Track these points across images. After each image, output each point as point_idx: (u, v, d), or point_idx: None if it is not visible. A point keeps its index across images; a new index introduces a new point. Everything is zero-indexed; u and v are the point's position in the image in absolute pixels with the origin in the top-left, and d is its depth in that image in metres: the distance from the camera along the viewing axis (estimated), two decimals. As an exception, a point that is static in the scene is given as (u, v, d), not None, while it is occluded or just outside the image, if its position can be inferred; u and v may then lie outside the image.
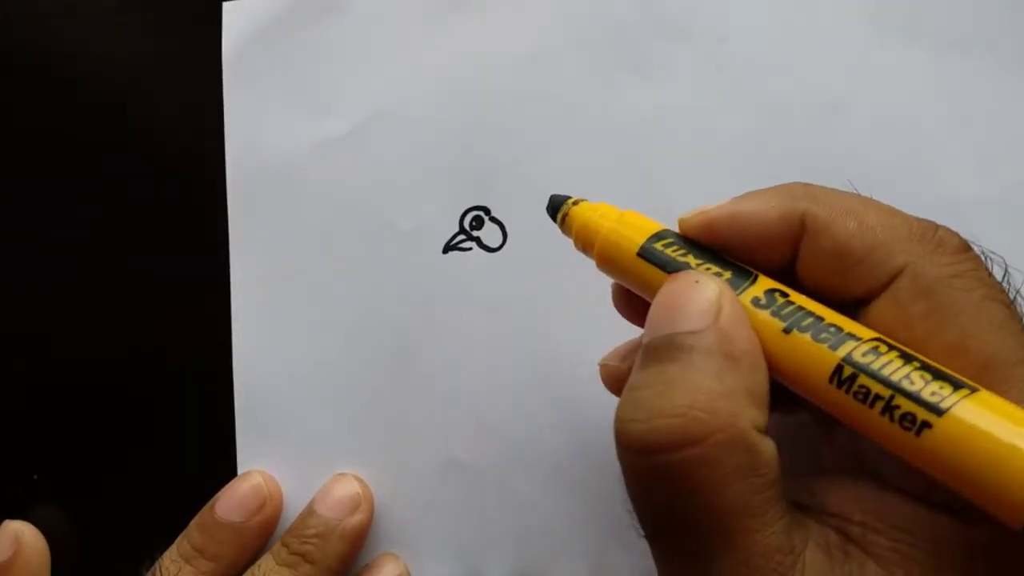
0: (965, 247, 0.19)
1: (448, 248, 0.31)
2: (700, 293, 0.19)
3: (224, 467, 0.31)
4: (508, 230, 0.31)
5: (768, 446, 0.17)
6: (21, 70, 0.33)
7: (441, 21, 0.31)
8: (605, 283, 0.29)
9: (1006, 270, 0.20)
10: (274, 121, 0.31)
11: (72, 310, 0.32)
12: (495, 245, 0.31)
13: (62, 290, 0.32)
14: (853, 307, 0.19)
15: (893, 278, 0.18)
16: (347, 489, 0.30)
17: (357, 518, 0.29)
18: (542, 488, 0.30)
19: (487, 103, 0.31)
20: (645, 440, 0.17)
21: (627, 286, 0.23)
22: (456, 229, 0.31)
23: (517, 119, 0.31)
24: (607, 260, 0.22)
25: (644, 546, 0.28)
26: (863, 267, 0.19)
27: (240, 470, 0.31)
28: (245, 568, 0.29)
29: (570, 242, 0.30)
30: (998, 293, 0.18)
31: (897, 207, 0.31)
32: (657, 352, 0.19)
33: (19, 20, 0.33)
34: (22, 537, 0.31)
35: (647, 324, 0.19)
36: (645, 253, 0.21)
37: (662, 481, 0.17)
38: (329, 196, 0.31)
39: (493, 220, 0.31)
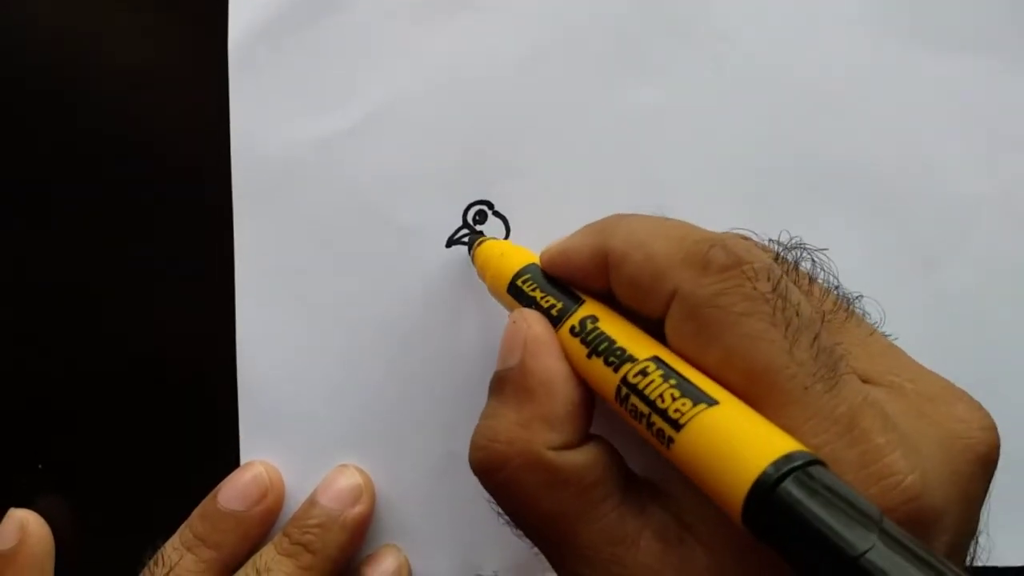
0: (733, 263, 0.20)
1: (452, 242, 0.31)
2: (516, 332, 0.22)
3: (227, 457, 0.31)
4: (511, 224, 0.31)
5: (572, 459, 0.20)
6: (21, 66, 0.33)
7: (445, 17, 0.31)
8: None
9: (813, 260, 0.22)
10: (279, 116, 0.31)
11: (76, 303, 0.32)
12: (491, 236, 0.31)
13: (66, 284, 0.32)
14: (660, 324, 0.21)
15: (669, 302, 0.20)
16: (349, 480, 0.30)
17: (358, 509, 0.30)
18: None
19: (490, 98, 0.31)
20: (473, 467, 0.22)
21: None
22: (459, 223, 0.31)
23: (520, 114, 0.31)
24: (493, 294, 0.27)
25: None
26: (649, 294, 0.21)
27: (243, 460, 0.31)
28: (247, 557, 0.30)
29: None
30: (760, 305, 0.19)
31: (899, 206, 0.31)
32: (490, 387, 0.23)
33: (20, 16, 0.33)
34: (27, 526, 0.31)
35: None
36: (511, 290, 0.25)
37: (497, 497, 0.22)
38: (333, 191, 0.31)
39: (496, 214, 0.31)
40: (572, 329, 0.22)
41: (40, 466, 0.32)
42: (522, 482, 0.20)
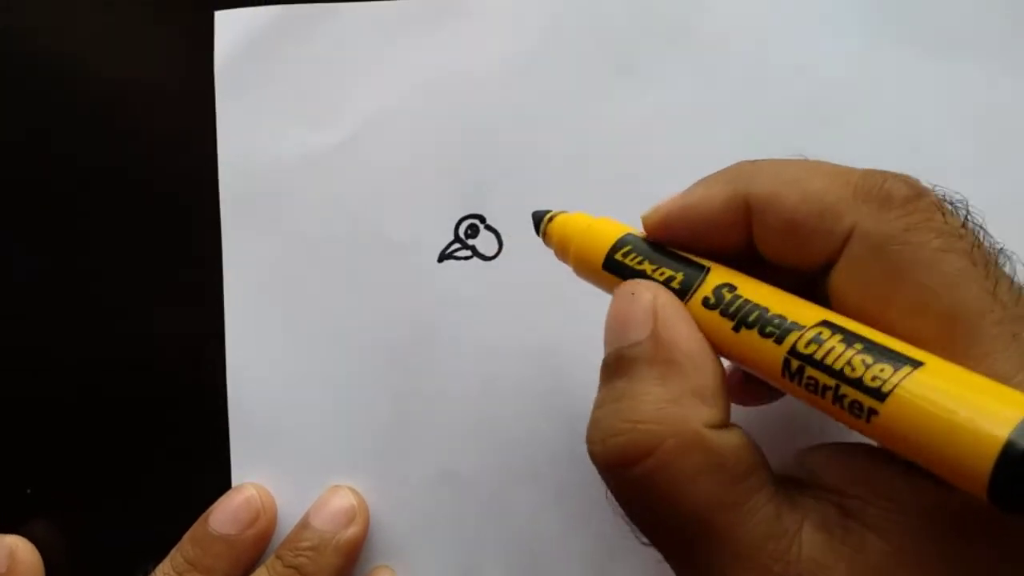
0: (916, 195, 0.18)
1: (443, 257, 0.31)
2: (636, 304, 0.19)
3: (218, 480, 0.31)
4: (503, 238, 0.31)
5: (728, 439, 0.18)
6: (10, 81, 0.33)
7: (432, 30, 0.31)
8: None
9: (967, 211, 0.19)
10: (266, 132, 0.31)
11: (65, 323, 0.32)
12: (491, 253, 0.30)
13: (54, 303, 0.32)
14: (820, 277, 0.19)
15: (845, 242, 0.18)
16: (342, 502, 0.29)
17: (352, 531, 0.29)
18: (539, 499, 0.30)
19: (480, 111, 0.31)
20: (606, 460, 0.18)
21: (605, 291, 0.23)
22: (451, 238, 0.31)
23: (511, 127, 0.31)
24: (581, 272, 0.23)
25: (643, 556, 0.28)
26: (814, 236, 0.18)
27: (234, 483, 0.31)
28: (239, 581, 0.29)
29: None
30: (955, 241, 0.17)
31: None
32: (608, 369, 0.20)
33: (7, 32, 0.33)
34: (16, 552, 0.31)
35: (603, 342, 0.20)
36: (608, 265, 0.22)
37: (634, 493, 0.18)
38: (323, 207, 0.31)
39: (488, 228, 0.31)
40: (706, 301, 0.19)
41: (29, 491, 0.32)
42: (677, 467, 0.17)
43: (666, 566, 0.29)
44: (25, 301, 0.32)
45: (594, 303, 0.29)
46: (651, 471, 0.18)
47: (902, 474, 0.17)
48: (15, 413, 0.32)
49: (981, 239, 0.18)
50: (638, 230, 0.22)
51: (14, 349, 0.32)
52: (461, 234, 0.31)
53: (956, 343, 0.16)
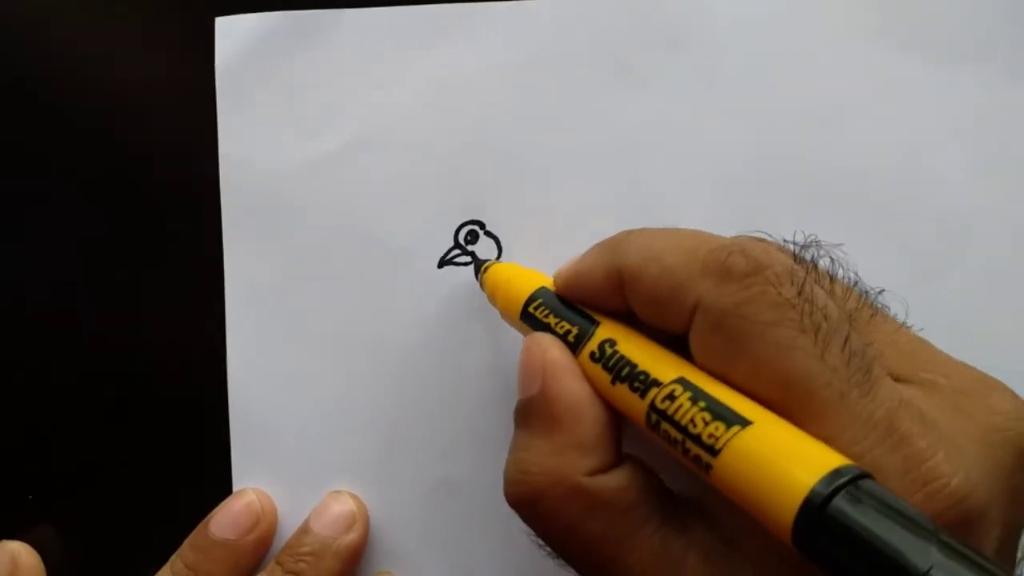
0: (754, 270, 0.19)
1: (443, 263, 0.31)
2: (532, 359, 0.22)
3: (219, 486, 0.31)
4: (503, 243, 0.31)
5: (608, 482, 0.20)
6: (8, 87, 0.33)
7: (431, 37, 0.31)
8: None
9: (832, 259, 0.21)
10: (267, 137, 0.31)
11: (65, 329, 0.32)
12: (490, 259, 0.31)
13: (55, 310, 0.32)
14: (683, 339, 0.20)
15: (691, 316, 0.20)
16: (342, 507, 0.29)
17: (352, 536, 0.29)
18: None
19: (479, 118, 0.31)
20: (510, 502, 0.21)
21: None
22: (451, 243, 0.31)
23: (509, 133, 0.31)
24: (505, 319, 0.26)
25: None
26: (670, 307, 0.20)
27: (235, 488, 0.31)
28: (240, 587, 0.29)
29: (565, 255, 0.30)
30: (787, 312, 0.18)
31: (895, 218, 0.31)
32: (515, 418, 0.22)
33: (5, 36, 0.33)
34: (18, 558, 0.31)
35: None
36: (523, 316, 0.25)
37: (537, 529, 0.21)
38: (323, 213, 0.31)
39: (488, 234, 0.31)
40: (592, 355, 0.21)
41: (31, 497, 0.32)
42: (561, 512, 0.20)
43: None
44: (25, 307, 0.32)
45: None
46: (542, 515, 0.20)
47: None
48: (16, 419, 0.32)
49: (816, 306, 0.18)
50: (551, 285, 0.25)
51: (14, 355, 0.32)
52: (461, 240, 0.31)
53: (792, 406, 0.18)
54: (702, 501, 0.20)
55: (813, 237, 0.22)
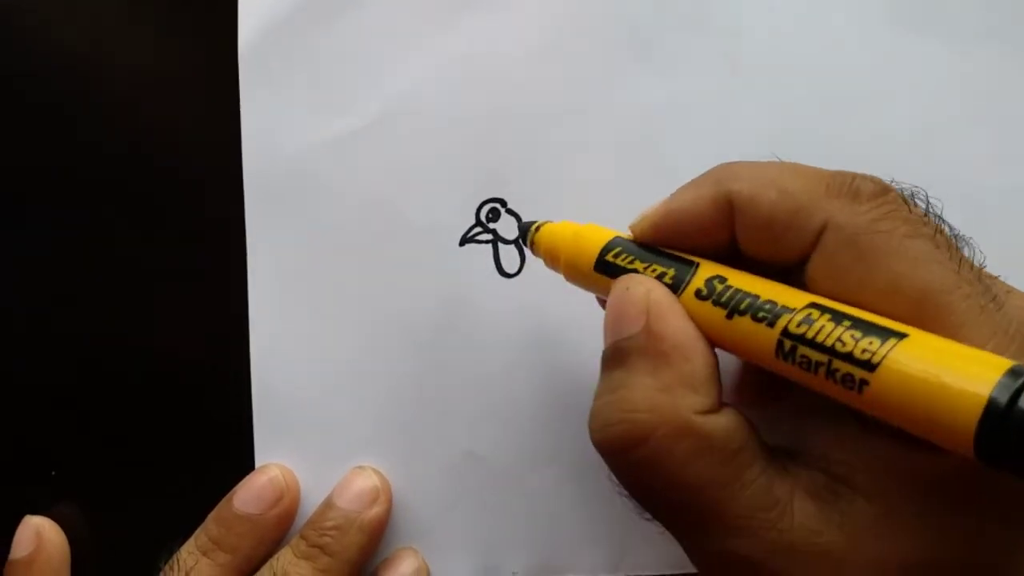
0: (882, 191, 0.19)
1: (465, 240, 0.31)
2: (631, 299, 0.21)
3: (242, 461, 0.31)
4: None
5: (717, 423, 0.19)
6: (32, 69, 0.33)
7: (455, 16, 0.31)
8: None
9: (927, 202, 0.21)
10: (290, 116, 0.31)
11: (89, 307, 0.32)
12: (511, 237, 0.31)
13: (79, 288, 0.32)
14: (797, 270, 0.20)
15: (819, 236, 0.19)
16: (366, 482, 0.30)
17: (376, 511, 0.29)
18: (560, 480, 0.30)
19: (501, 96, 0.31)
20: (605, 447, 0.20)
21: (596, 295, 0.25)
22: (472, 221, 0.31)
23: (532, 112, 0.31)
24: (572, 278, 0.25)
25: (664, 535, 0.28)
26: (791, 232, 0.20)
27: (258, 463, 0.31)
28: (263, 561, 0.29)
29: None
30: (921, 228, 0.18)
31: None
32: (606, 360, 0.21)
33: (32, 23, 0.33)
34: (43, 533, 0.31)
35: (603, 334, 0.21)
36: (599, 267, 0.23)
37: (633, 477, 0.20)
38: (346, 191, 0.31)
39: (509, 212, 0.31)
40: (698, 293, 0.20)
41: (54, 473, 0.32)
42: (670, 452, 0.19)
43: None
44: (50, 287, 0.32)
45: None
46: (646, 457, 0.19)
47: (889, 441, 0.18)
48: (40, 396, 0.32)
49: (943, 226, 0.19)
50: (625, 234, 0.23)
51: (40, 334, 0.32)
52: (482, 218, 0.31)
53: (929, 319, 0.17)
54: (796, 447, 0.20)
55: (897, 182, 0.21)
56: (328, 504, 0.30)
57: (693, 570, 0.29)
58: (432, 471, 0.30)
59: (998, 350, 0.17)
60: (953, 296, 0.18)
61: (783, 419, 0.20)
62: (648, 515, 0.21)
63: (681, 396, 0.19)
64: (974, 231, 0.30)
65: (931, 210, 0.20)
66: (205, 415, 0.32)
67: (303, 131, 0.31)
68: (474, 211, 0.31)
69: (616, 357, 0.21)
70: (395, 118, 0.31)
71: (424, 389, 0.30)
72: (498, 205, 0.31)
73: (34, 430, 0.32)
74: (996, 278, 0.19)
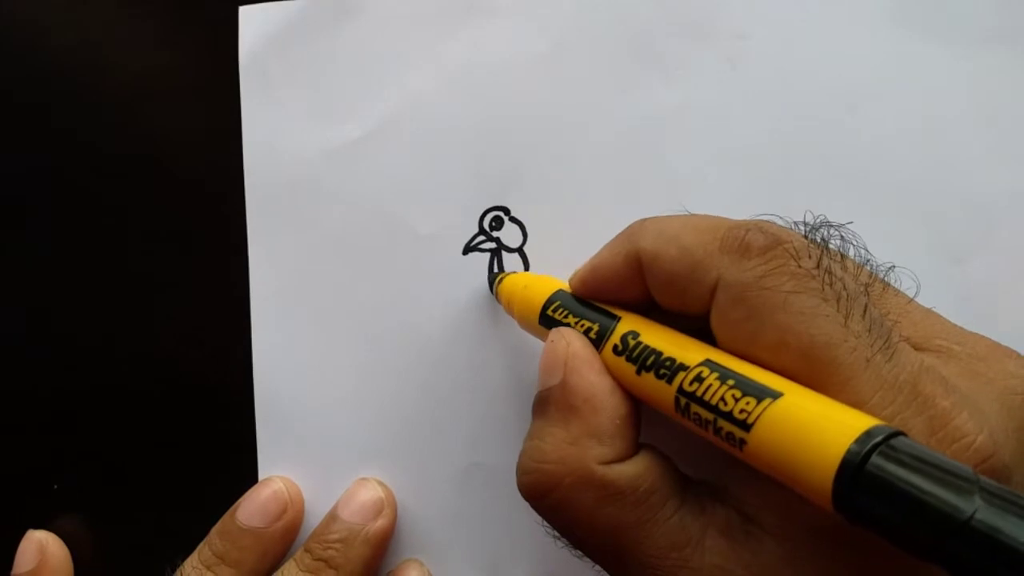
0: (772, 244, 0.19)
1: (468, 249, 0.31)
2: (553, 351, 0.22)
3: (245, 474, 0.31)
4: (528, 229, 0.30)
5: (623, 472, 0.20)
6: (33, 76, 0.33)
7: (456, 23, 0.31)
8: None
9: (841, 238, 0.21)
10: (291, 125, 0.31)
11: (91, 320, 0.32)
12: (515, 245, 0.30)
13: (80, 300, 0.32)
14: (705, 319, 0.20)
15: (713, 291, 0.20)
16: (370, 494, 0.29)
17: (380, 523, 0.29)
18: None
19: (504, 104, 0.31)
20: (523, 492, 0.21)
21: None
22: (476, 230, 0.31)
23: (534, 119, 0.31)
24: (524, 327, 0.27)
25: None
26: (690, 287, 0.20)
27: (261, 476, 0.31)
28: (267, 574, 0.29)
29: (590, 239, 0.30)
30: (807, 282, 0.19)
31: (918, 204, 0.31)
32: (534, 406, 0.22)
33: (32, 27, 0.33)
34: (47, 547, 0.31)
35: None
36: (542, 320, 0.25)
37: (551, 519, 0.21)
38: (348, 200, 0.31)
39: (513, 220, 0.31)
40: (615, 348, 0.21)
41: (56, 487, 0.32)
42: (576, 500, 0.20)
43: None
44: (50, 296, 0.32)
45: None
46: (557, 504, 0.20)
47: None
48: (42, 409, 0.32)
49: (834, 276, 0.19)
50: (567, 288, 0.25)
51: (40, 345, 0.32)
52: (486, 226, 0.31)
53: (817, 373, 0.18)
54: (718, 484, 0.20)
55: (823, 217, 0.22)
56: (332, 516, 0.29)
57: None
58: (437, 482, 0.30)
59: (883, 403, 0.17)
60: (840, 350, 0.18)
61: (714, 455, 0.20)
62: (577, 552, 0.21)
63: (587, 448, 0.20)
64: (977, 233, 0.30)
65: (826, 258, 0.20)
66: (209, 428, 0.32)
67: (304, 140, 0.31)
68: (477, 219, 0.31)
69: (539, 406, 0.22)
70: (397, 126, 0.31)
71: (429, 400, 0.30)
72: (501, 213, 0.31)
73: (36, 444, 0.32)
74: (895, 325, 0.20)
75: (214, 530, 0.30)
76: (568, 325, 0.23)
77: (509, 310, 0.27)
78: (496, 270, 0.30)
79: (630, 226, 0.23)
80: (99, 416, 0.32)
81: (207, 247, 0.32)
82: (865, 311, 0.18)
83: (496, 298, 0.29)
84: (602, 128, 0.31)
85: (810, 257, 0.19)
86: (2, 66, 0.33)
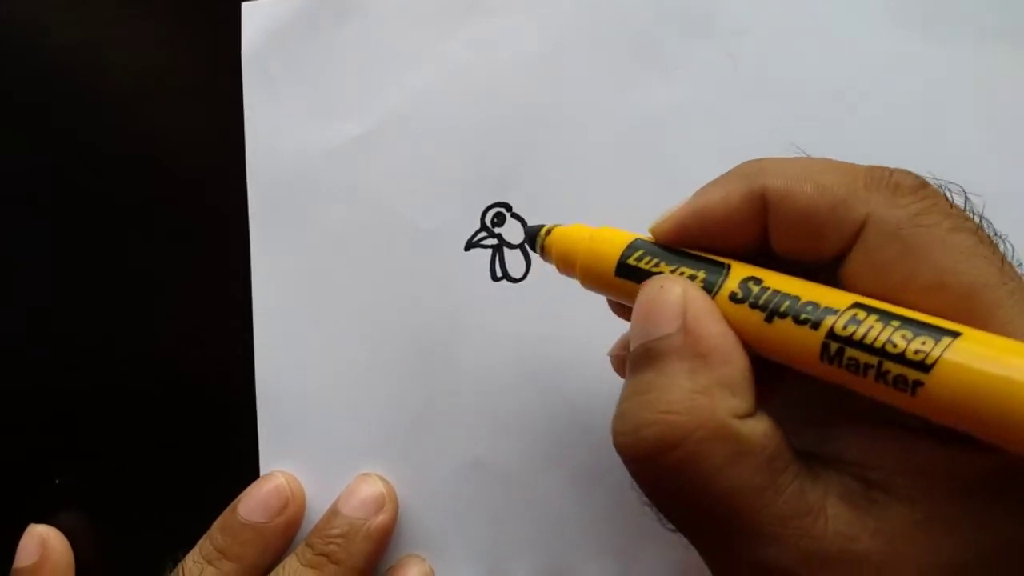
0: (922, 184, 0.19)
1: (470, 245, 0.31)
2: (665, 298, 0.20)
3: (247, 469, 0.31)
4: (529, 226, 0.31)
5: (754, 428, 0.18)
6: (35, 73, 0.33)
7: (457, 22, 0.31)
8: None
9: (966, 197, 0.20)
10: (293, 122, 0.31)
11: (92, 315, 0.32)
12: (517, 241, 0.31)
13: (82, 295, 0.32)
14: (832, 268, 0.19)
15: (859, 231, 0.19)
16: (371, 489, 0.30)
17: (382, 518, 0.29)
18: (567, 487, 0.30)
19: (505, 101, 0.31)
20: (635, 451, 0.19)
21: (614, 299, 0.24)
22: (478, 226, 0.31)
23: (535, 116, 0.31)
24: (590, 284, 0.23)
25: (672, 541, 0.28)
26: (829, 227, 0.19)
27: (262, 471, 0.31)
28: (268, 569, 0.29)
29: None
30: (963, 222, 0.18)
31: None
32: (636, 362, 0.20)
33: (34, 26, 0.33)
34: (48, 541, 0.31)
35: (629, 336, 0.20)
36: (621, 271, 0.22)
37: (663, 483, 0.19)
38: (350, 197, 0.31)
39: (514, 216, 0.31)
40: (733, 296, 0.19)
41: (57, 481, 0.32)
42: (707, 456, 0.18)
43: (691, 550, 0.29)
44: (52, 293, 0.32)
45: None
46: (680, 461, 0.18)
47: (928, 443, 0.18)
48: (44, 404, 0.32)
49: (983, 223, 0.19)
50: (645, 235, 0.22)
51: (42, 341, 0.32)
52: (487, 222, 0.31)
53: (976, 315, 0.17)
54: (825, 454, 0.19)
55: (933, 176, 0.21)
56: (334, 512, 0.29)
57: (701, 577, 0.29)
58: (438, 478, 0.30)
59: None
60: (1000, 291, 0.17)
61: (806, 425, 0.19)
62: (672, 526, 0.20)
63: (720, 399, 0.18)
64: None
65: (970, 207, 0.20)
66: (210, 423, 0.32)
67: (306, 137, 0.31)
68: (479, 216, 0.31)
69: (647, 358, 0.19)
70: (399, 123, 0.31)
71: (429, 395, 0.30)
72: (503, 210, 0.31)
73: (37, 438, 0.32)
74: None
75: (215, 525, 0.30)
76: (660, 275, 0.21)
77: (565, 267, 0.24)
78: (499, 264, 0.30)
79: (741, 165, 0.21)
80: (101, 412, 0.32)
81: (208, 245, 0.32)
82: (1009, 258, 0.18)
83: (542, 254, 0.25)
84: (602, 126, 0.31)
85: (955, 200, 0.19)
86: (2, 66, 0.33)
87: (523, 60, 0.31)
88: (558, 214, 0.30)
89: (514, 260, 0.31)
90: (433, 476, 0.30)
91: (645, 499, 0.20)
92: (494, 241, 0.31)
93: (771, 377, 0.23)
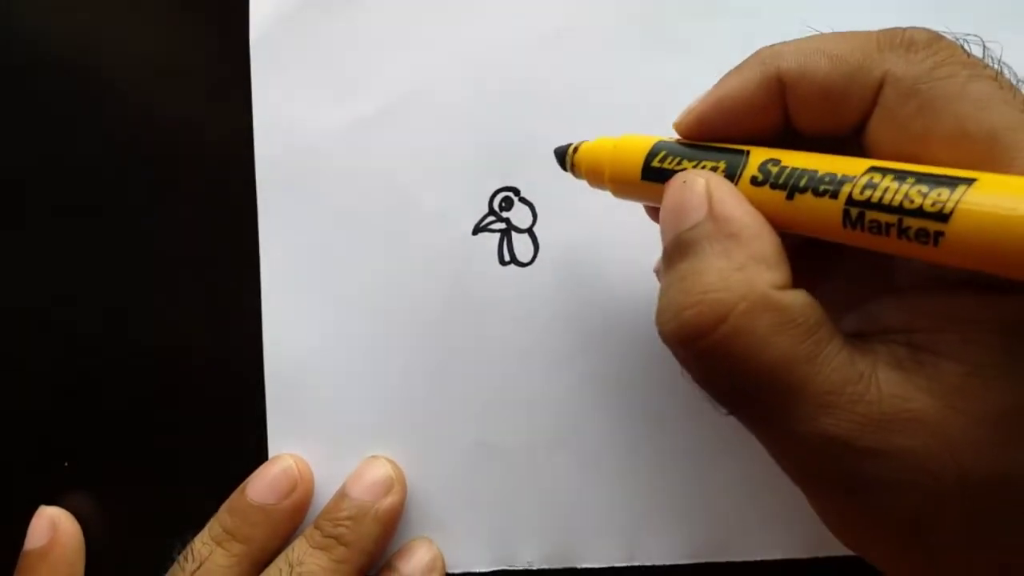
0: (936, 38, 0.19)
1: (478, 229, 0.31)
2: (690, 190, 0.20)
3: (255, 451, 0.31)
4: (537, 210, 0.30)
5: (795, 297, 0.18)
6: (42, 60, 0.33)
7: (467, 2, 0.31)
8: (636, 259, 0.29)
9: (984, 46, 0.20)
10: (301, 103, 0.31)
11: (101, 296, 0.32)
12: (524, 226, 0.30)
13: (90, 277, 0.32)
14: (851, 140, 0.20)
15: (877, 93, 0.19)
16: (380, 471, 0.30)
17: (390, 500, 0.29)
18: (575, 469, 0.30)
19: (514, 84, 0.31)
20: (679, 335, 0.19)
21: (645, 204, 0.25)
22: (486, 210, 0.31)
23: (544, 99, 0.31)
24: (620, 191, 0.24)
25: (677, 525, 0.28)
26: (849, 95, 0.19)
27: (271, 453, 0.31)
28: (277, 551, 0.29)
29: (600, 219, 0.30)
30: (982, 70, 0.18)
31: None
32: (670, 256, 0.20)
33: (41, 9, 0.33)
34: (58, 523, 0.31)
35: (660, 234, 0.21)
36: (647, 174, 0.22)
37: (711, 362, 0.19)
38: (358, 178, 0.31)
39: (523, 200, 0.31)
40: (754, 179, 0.20)
41: (67, 463, 0.32)
42: (752, 328, 0.18)
43: (698, 528, 0.30)
44: (60, 277, 0.32)
45: (629, 270, 0.29)
46: (726, 337, 0.18)
47: (965, 296, 0.18)
48: (53, 386, 0.32)
49: (1003, 69, 0.18)
50: (666, 137, 0.23)
51: (51, 324, 0.32)
52: (495, 206, 0.31)
53: (999, 160, 0.17)
54: (868, 329, 0.19)
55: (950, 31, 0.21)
56: (342, 494, 0.30)
57: (708, 560, 0.29)
58: (446, 460, 0.30)
59: None
60: (1021, 134, 0.17)
61: (847, 311, 0.20)
62: (725, 410, 0.20)
63: (757, 272, 0.18)
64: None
65: (988, 55, 0.19)
66: (219, 405, 0.32)
67: (315, 118, 0.31)
68: (487, 200, 0.31)
69: (680, 249, 0.20)
70: (406, 105, 0.31)
71: (437, 378, 0.30)
72: (511, 194, 0.31)
73: (47, 421, 0.32)
74: None
75: (224, 506, 0.30)
76: (685, 171, 0.21)
77: (596, 178, 0.25)
78: (507, 248, 0.30)
79: (755, 53, 0.21)
80: (111, 394, 0.32)
81: (217, 224, 0.32)
82: None
83: (572, 171, 0.26)
84: (613, 108, 0.30)
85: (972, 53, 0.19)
86: (5, 50, 0.33)
87: (533, 42, 0.31)
88: (566, 198, 0.30)
89: (522, 244, 0.30)
90: (441, 459, 0.30)
91: (696, 386, 0.20)
92: (502, 225, 0.31)
93: (806, 277, 0.23)
